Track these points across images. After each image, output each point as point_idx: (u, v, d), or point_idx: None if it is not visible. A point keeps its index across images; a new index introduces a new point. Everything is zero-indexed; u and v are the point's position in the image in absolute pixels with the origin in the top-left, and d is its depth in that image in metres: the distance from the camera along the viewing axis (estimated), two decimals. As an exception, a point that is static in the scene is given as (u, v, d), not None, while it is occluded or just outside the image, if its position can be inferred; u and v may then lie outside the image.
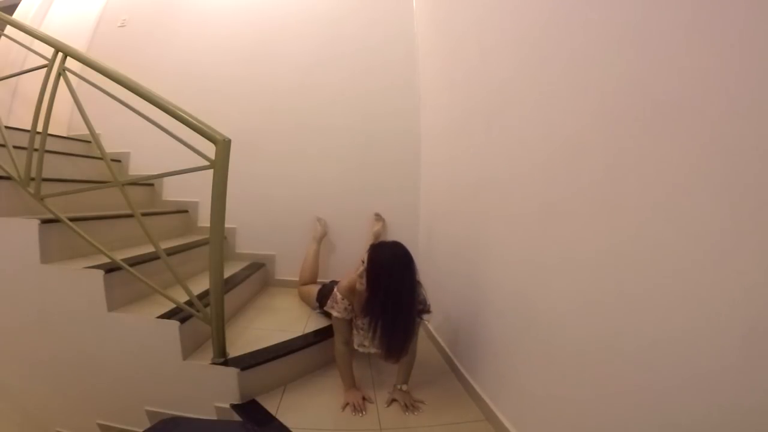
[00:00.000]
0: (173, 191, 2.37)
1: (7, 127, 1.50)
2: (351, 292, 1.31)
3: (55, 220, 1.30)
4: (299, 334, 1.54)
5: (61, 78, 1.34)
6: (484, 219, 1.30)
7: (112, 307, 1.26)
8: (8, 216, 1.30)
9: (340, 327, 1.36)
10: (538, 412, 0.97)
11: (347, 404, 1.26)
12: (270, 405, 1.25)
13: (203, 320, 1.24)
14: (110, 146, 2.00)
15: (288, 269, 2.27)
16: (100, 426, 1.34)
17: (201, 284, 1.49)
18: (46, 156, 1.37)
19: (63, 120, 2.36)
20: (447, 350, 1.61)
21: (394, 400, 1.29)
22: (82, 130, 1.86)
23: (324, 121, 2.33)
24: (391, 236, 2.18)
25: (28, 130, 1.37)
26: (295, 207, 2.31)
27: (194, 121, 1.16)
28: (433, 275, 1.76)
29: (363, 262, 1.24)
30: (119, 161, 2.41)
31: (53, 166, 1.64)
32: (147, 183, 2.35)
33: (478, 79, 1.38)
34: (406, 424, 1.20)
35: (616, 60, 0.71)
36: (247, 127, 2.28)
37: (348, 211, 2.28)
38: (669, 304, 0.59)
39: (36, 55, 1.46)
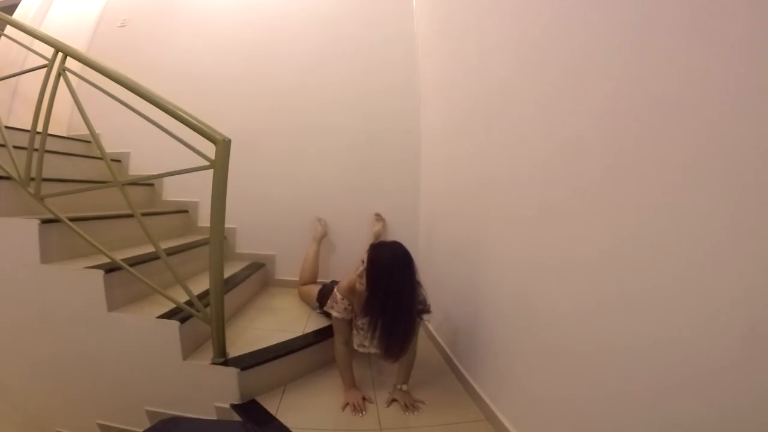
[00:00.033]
0: (173, 191, 2.37)
1: (7, 127, 1.50)
2: (351, 292, 1.31)
3: (55, 220, 1.30)
4: (299, 334, 1.54)
5: (61, 78, 1.34)
6: (484, 219, 1.30)
7: (112, 307, 1.26)
8: (8, 216, 1.30)
9: (339, 327, 1.36)
10: (538, 412, 0.97)
11: (347, 404, 1.26)
12: (270, 405, 1.25)
13: (203, 320, 1.24)
14: (110, 146, 2.00)
15: (288, 269, 2.27)
16: (100, 426, 1.34)
17: (201, 284, 1.49)
18: (46, 156, 1.37)
19: (63, 120, 2.37)
20: (447, 350, 1.61)
21: (394, 400, 1.29)
22: (82, 130, 1.86)
23: (324, 121, 2.33)
24: (391, 236, 2.18)
25: (28, 130, 1.37)
26: (295, 207, 2.31)
27: (194, 121, 1.16)
28: (433, 275, 1.76)
29: (363, 262, 1.24)
30: (119, 161, 2.41)
31: (53, 166, 1.64)
32: (147, 183, 2.35)
33: (478, 79, 1.38)
34: (406, 424, 1.20)
35: (616, 60, 0.71)
36: (247, 127, 2.28)
37: (348, 211, 2.28)
38: (669, 304, 0.59)
39: (36, 55, 1.46)
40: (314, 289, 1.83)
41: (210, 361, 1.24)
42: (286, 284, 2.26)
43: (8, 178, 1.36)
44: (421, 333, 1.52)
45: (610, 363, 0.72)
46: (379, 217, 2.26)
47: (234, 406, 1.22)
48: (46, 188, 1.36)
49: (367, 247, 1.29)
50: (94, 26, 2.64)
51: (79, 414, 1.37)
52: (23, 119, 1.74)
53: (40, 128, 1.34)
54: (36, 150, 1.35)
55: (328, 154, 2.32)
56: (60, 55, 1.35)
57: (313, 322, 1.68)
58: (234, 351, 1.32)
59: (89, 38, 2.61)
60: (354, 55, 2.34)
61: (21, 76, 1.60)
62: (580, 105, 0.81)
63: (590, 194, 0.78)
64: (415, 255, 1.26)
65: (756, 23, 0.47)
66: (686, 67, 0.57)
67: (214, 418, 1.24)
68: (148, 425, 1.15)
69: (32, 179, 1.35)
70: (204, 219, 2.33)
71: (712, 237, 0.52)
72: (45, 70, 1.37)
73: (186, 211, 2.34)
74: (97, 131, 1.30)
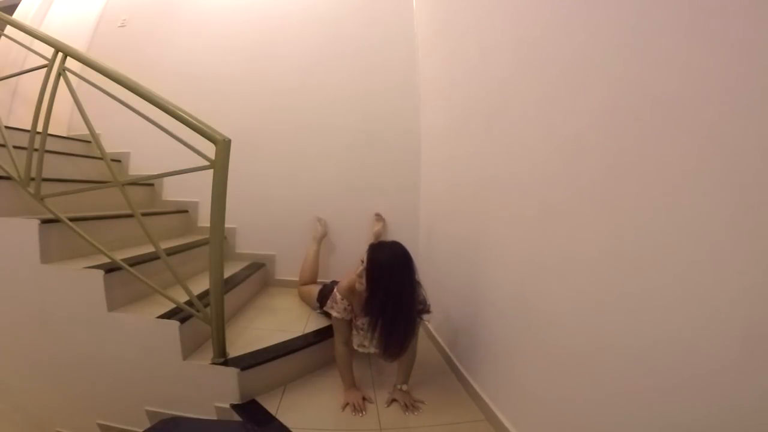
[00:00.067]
0: (173, 191, 2.37)
1: (7, 127, 1.50)
2: (350, 292, 1.31)
3: (55, 220, 1.30)
4: (299, 334, 1.54)
5: (61, 78, 1.34)
6: (484, 219, 1.30)
7: (112, 307, 1.26)
8: (8, 216, 1.30)
9: (339, 327, 1.36)
10: (538, 412, 0.97)
11: (347, 404, 1.26)
12: (270, 405, 1.25)
13: (203, 320, 1.24)
14: (110, 146, 2.00)
15: (288, 269, 2.27)
16: (100, 426, 1.34)
17: (201, 284, 1.49)
18: (46, 156, 1.37)
19: (63, 120, 2.37)
20: (447, 350, 1.61)
21: (394, 400, 1.29)
22: (82, 130, 1.86)
23: (324, 121, 2.33)
24: (391, 236, 2.18)
25: (28, 130, 1.37)
26: (295, 207, 2.31)
27: (194, 121, 1.16)
28: (433, 275, 1.76)
29: (362, 261, 1.24)
30: (119, 161, 2.41)
31: (53, 166, 1.64)
32: (147, 183, 2.35)
33: (478, 79, 1.38)
34: (406, 424, 1.20)
35: (616, 60, 0.71)
36: (247, 127, 2.28)
37: (348, 211, 2.28)
38: (669, 304, 0.59)
39: (36, 55, 1.46)
40: (314, 289, 1.83)
41: (210, 361, 1.24)
42: (286, 284, 2.26)
43: (8, 178, 1.36)
44: (421, 333, 1.52)
45: (610, 363, 0.72)
46: (379, 217, 2.26)
47: (234, 406, 1.22)
48: (46, 188, 1.36)
49: (367, 247, 1.29)
50: (94, 26, 2.64)
51: (79, 414, 1.37)
52: (23, 119, 1.74)
53: (40, 128, 1.34)
54: (36, 150, 1.35)
55: (328, 154, 2.32)
56: (60, 55, 1.35)
57: (313, 322, 1.68)
58: (234, 351, 1.33)
59: (89, 38, 2.61)
60: (354, 55, 2.34)
61: (21, 76, 1.60)
62: (580, 105, 0.81)
63: (590, 194, 0.78)
64: (415, 255, 1.26)
65: (756, 23, 0.47)
66: (686, 66, 0.57)
67: (214, 418, 1.24)
68: (148, 425, 1.15)
69: (32, 179, 1.35)
70: (204, 219, 2.33)
71: (712, 237, 0.52)
72: (45, 70, 1.37)
73: (186, 211, 2.34)
74: (97, 131, 1.30)
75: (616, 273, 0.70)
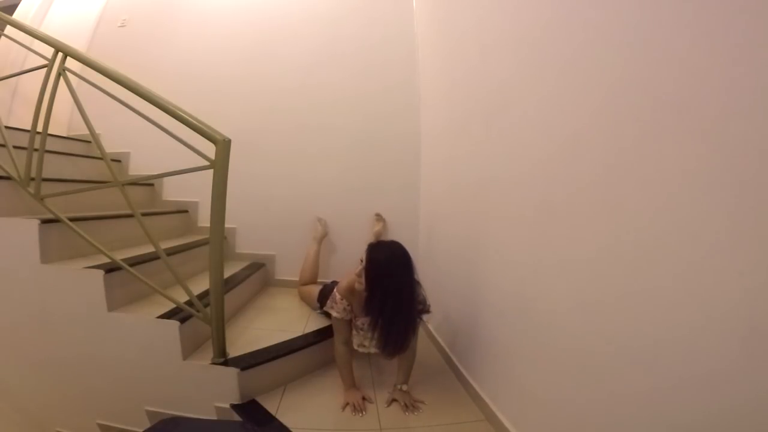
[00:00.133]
0: (173, 191, 2.37)
1: (7, 127, 1.50)
2: (350, 292, 1.31)
3: (55, 220, 1.30)
4: (299, 334, 1.54)
5: (61, 78, 1.34)
6: (484, 219, 1.30)
7: (112, 307, 1.26)
8: (8, 216, 1.30)
9: (339, 327, 1.36)
10: (538, 412, 0.97)
11: (347, 404, 1.26)
12: (270, 405, 1.25)
13: (203, 320, 1.24)
14: (110, 146, 2.00)
15: (288, 269, 2.27)
16: (100, 426, 1.34)
17: (201, 284, 1.49)
18: (46, 156, 1.37)
19: (63, 120, 2.37)
20: (447, 350, 1.61)
21: (394, 400, 1.29)
22: (82, 130, 1.86)
23: (324, 121, 2.33)
24: (391, 236, 2.18)
25: (28, 130, 1.37)
26: (295, 207, 2.31)
27: (194, 121, 1.16)
28: (433, 275, 1.76)
29: (362, 261, 1.24)
30: (119, 161, 2.41)
31: (53, 166, 1.64)
32: (147, 183, 2.35)
33: (478, 79, 1.38)
34: (406, 424, 1.20)
35: (616, 60, 0.71)
36: (247, 127, 2.28)
37: (348, 211, 2.28)
38: (669, 304, 0.59)
39: (36, 55, 1.46)
40: (315, 290, 1.83)
41: (210, 361, 1.24)
42: (286, 284, 2.26)
43: (8, 178, 1.36)
44: (421, 333, 1.52)
45: (610, 363, 0.72)
46: (379, 217, 2.26)
47: (234, 406, 1.22)
48: (46, 188, 1.36)
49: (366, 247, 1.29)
50: (94, 26, 2.64)
51: (79, 414, 1.37)
52: (23, 119, 1.74)
53: (40, 128, 1.34)
54: (36, 150, 1.35)
55: (328, 154, 2.32)
56: (60, 55, 1.35)
57: (313, 322, 1.68)
58: (234, 351, 1.32)
59: (89, 38, 2.61)
60: (354, 55, 2.34)
61: (21, 76, 1.60)
62: (580, 105, 0.81)
63: (590, 194, 0.78)
64: (415, 255, 1.26)
65: (756, 23, 0.47)
66: (686, 66, 0.57)
67: (214, 418, 1.24)
68: (148, 425, 1.15)
69: (32, 179, 1.35)
70: (204, 219, 2.33)
71: (712, 237, 0.52)
72: (45, 70, 1.37)
73: (186, 211, 2.34)
74: (97, 131, 1.30)
75: (616, 273, 0.70)
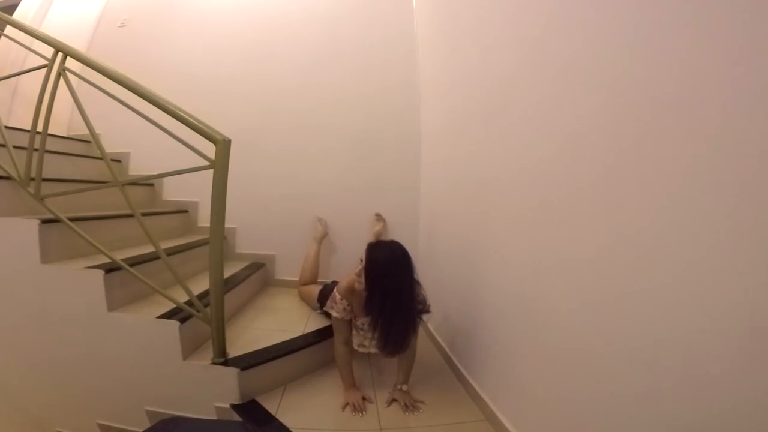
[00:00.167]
0: (173, 191, 2.37)
1: (7, 127, 1.50)
2: (350, 292, 1.31)
3: (55, 220, 1.30)
4: (299, 334, 1.54)
5: (61, 78, 1.34)
6: (484, 219, 1.30)
7: (112, 307, 1.26)
8: (8, 216, 1.30)
9: (339, 327, 1.36)
10: (538, 412, 0.97)
11: (347, 404, 1.26)
12: (270, 405, 1.25)
13: (203, 320, 1.24)
14: (110, 146, 2.00)
15: (288, 269, 2.27)
16: (100, 426, 1.34)
17: (201, 284, 1.49)
18: (46, 156, 1.37)
19: (63, 120, 2.37)
20: (447, 350, 1.61)
21: (394, 400, 1.29)
22: (82, 130, 1.86)
23: (324, 121, 2.33)
24: (391, 236, 2.17)
25: (28, 130, 1.37)
26: (295, 207, 2.31)
27: (194, 121, 1.16)
28: (433, 275, 1.76)
29: (361, 260, 1.24)
30: (119, 161, 2.41)
31: (53, 166, 1.64)
32: (147, 183, 2.35)
33: (478, 79, 1.38)
34: (406, 424, 1.20)
35: (616, 60, 0.71)
36: (247, 127, 2.28)
37: (348, 211, 2.28)
38: (669, 304, 0.59)
39: (36, 55, 1.46)
40: (315, 290, 1.83)
41: (210, 361, 1.24)
42: (286, 284, 2.26)
43: (8, 178, 1.36)
44: (420, 333, 1.52)
45: (610, 363, 0.72)
46: (379, 217, 2.26)
47: (234, 406, 1.22)
48: (46, 188, 1.36)
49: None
50: (94, 26, 2.64)
51: (79, 414, 1.37)
52: (23, 119, 1.74)
53: (40, 128, 1.34)
54: (36, 150, 1.35)
55: (328, 154, 2.32)
56: (60, 55, 1.35)
57: (313, 322, 1.68)
58: (234, 351, 1.32)
59: (89, 38, 2.62)
60: (354, 54, 2.34)
61: (21, 76, 1.60)
62: (580, 105, 0.81)
63: (590, 194, 0.78)
64: (415, 255, 1.26)
65: (756, 23, 0.47)
66: (686, 66, 0.57)
67: (214, 418, 1.24)
68: (148, 425, 1.15)
69: (32, 179, 1.35)
70: (204, 219, 2.33)
71: (712, 237, 0.52)
72: (45, 70, 1.37)
73: (186, 211, 2.34)
74: (97, 131, 1.30)
75: (616, 273, 0.70)
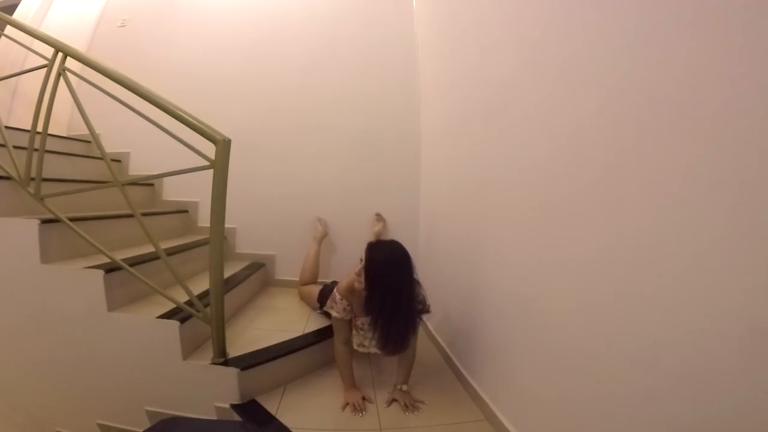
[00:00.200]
0: (173, 191, 2.37)
1: (7, 127, 1.50)
2: (350, 292, 1.31)
3: (55, 220, 1.30)
4: (299, 334, 1.54)
5: (61, 78, 1.34)
6: (484, 219, 1.30)
7: (112, 307, 1.26)
8: (8, 216, 1.30)
9: (339, 327, 1.36)
10: (538, 412, 0.97)
11: (347, 404, 1.26)
12: (270, 405, 1.25)
13: (203, 320, 1.24)
14: (110, 146, 2.00)
15: (288, 269, 2.27)
16: (100, 426, 1.34)
17: (201, 284, 1.49)
18: (46, 156, 1.37)
19: (63, 120, 2.37)
20: (447, 350, 1.61)
21: (394, 400, 1.29)
22: (82, 130, 1.86)
23: (324, 121, 2.33)
24: (391, 236, 2.16)
25: (28, 130, 1.37)
26: (295, 207, 2.31)
27: (194, 121, 1.16)
28: (433, 275, 1.76)
29: (361, 260, 1.24)
30: (119, 161, 2.41)
31: (53, 166, 1.64)
32: (147, 183, 2.35)
33: (478, 79, 1.38)
34: (406, 424, 1.20)
35: (615, 60, 0.71)
36: (247, 127, 2.28)
37: (348, 211, 2.28)
38: (669, 304, 0.59)
39: (36, 55, 1.46)
40: (315, 290, 1.83)
41: (210, 361, 1.24)
42: (286, 284, 2.26)
43: (8, 178, 1.36)
44: (420, 333, 1.52)
45: (610, 363, 0.72)
46: (379, 217, 2.26)
47: (234, 406, 1.22)
48: (46, 188, 1.36)
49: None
50: (94, 26, 2.64)
51: (79, 414, 1.37)
52: (23, 119, 1.74)
53: (40, 128, 1.34)
54: (36, 150, 1.35)
55: (328, 154, 2.32)
56: (60, 55, 1.35)
57: (313, 322, 1.68)
58: (234, 351, 1.32)
59: (89, 38, 2.62)
60: (354, 55, 2.34)
61: (21, 76, 1.60)
62: (580, 105, 0.81)
63: (590, 194, 0.78)
64: (415, 255, 1.26)
65: (756, 23, 0.47)
66: (686, 66, 0.57)
67: (214, 418, 1.24)
68: (148, 425, 1.15)
69: (32, 179, 1.35)
70: (204, 219, 2.33)
71: (713, 237, 0.52)
72: (45, 70, 1.37)
73: (186, 211, 2.34)
74: (97, 131, 1.30)
75: (616, 273, 0.70)
